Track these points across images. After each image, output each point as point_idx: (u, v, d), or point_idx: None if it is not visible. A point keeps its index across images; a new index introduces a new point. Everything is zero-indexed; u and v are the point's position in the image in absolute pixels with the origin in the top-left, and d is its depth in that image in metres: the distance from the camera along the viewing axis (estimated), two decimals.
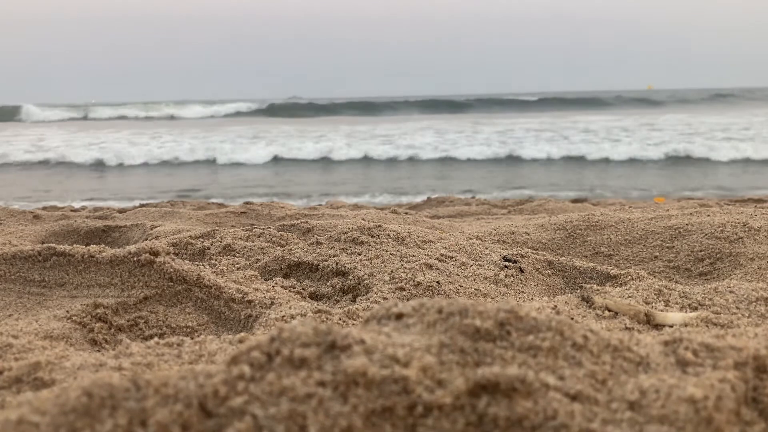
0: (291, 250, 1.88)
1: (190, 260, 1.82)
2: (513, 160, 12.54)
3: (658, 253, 1.94)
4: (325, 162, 12.96)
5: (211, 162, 13.04)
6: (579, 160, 12.13)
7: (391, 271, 1.62)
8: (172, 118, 27.22)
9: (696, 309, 1.27)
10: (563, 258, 1.90)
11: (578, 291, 1.46)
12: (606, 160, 12.01)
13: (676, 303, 1.31)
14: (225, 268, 1.74)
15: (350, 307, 1.41)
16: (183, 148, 13.72)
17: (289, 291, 1.62)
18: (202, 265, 1.68)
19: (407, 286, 1.55)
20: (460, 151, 13.02)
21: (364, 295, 1.54)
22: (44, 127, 21.71)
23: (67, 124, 22.91)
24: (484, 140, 14.06)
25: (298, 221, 2.25)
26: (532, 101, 29.90)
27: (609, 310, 1.28)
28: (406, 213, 3.28)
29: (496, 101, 32.03)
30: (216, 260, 1.85)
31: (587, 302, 1.35)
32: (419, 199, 6.63)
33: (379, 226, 1.95)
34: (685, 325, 1.17)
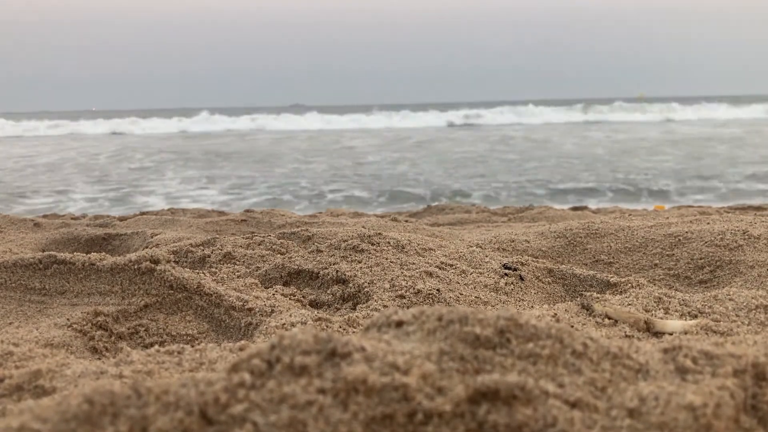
0: (291, 257, 1.88)
1: (190, 268, 1.83)
2: None
3: (658, 261, 1.94)
4: None
5: None
6: None
7: (392, 279, 1.62)
8: None
9: (696, 317, 1.27)
10: (563, 266, 1.90)
11: (578, 299, 1.46)
12: None
13: (676, 311, 1.31)
14: (225, 275, 1.74)
15: (350, 314, 1.41)
16: None
17: (290, 299, 1.62)
18: (203, 273, 1.69)
19: (407, 293, 1.55)
20: None
21: (364, 303, 1.54)
22: None
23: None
24: None
25: (299, 229, 2.25)
26: None
27: (609, 318, 1.28)
28: (407, 221, 3.28)
29: None
30: (216, 268, 1.85)
31: (587, 310, 1.36)
32: None
33: (379, 233, 1.95)
34: (685, 333, 1.17)
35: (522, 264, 1.85)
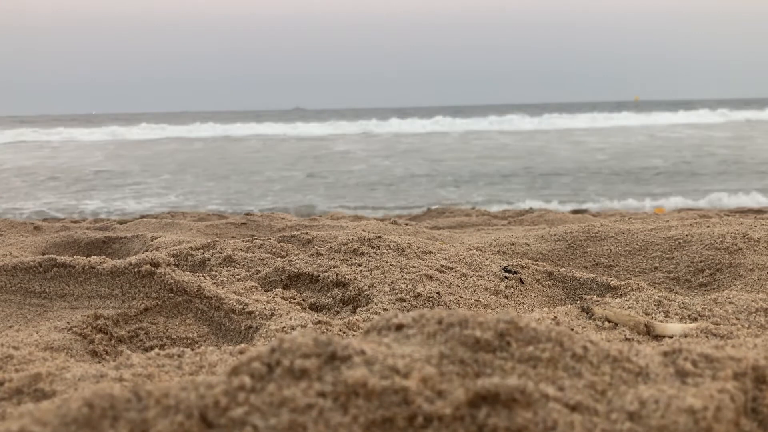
0: (291, 261, 1.88)
1: (190, 271, 1.83)
2: None
3: (658, 264, 1.94)
4: None
5: None
6: None
7: (392, 282, 1.62)
8: None
9: (696, 320, 1.27)
10: (563, 269, 1.90)
11: (578, 302, 1.46)
12: None
13: (676, 314, 1.31)
14: (225, 279, 1.74)
15: (350, 318, 1.41)
16: None
17: (290, 302, 1.62)
18: (203, 276, 1.69)
19: (407, 297, 1.55)
20: None
21: (364, 306, 1.54)
22: None
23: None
24: None
25: (299, 232, 2.25)
26: None
27: (609, 321, 1.28)
28: (407, 224, 3.28)
29: None
30: (216, 271, 1.85)
31: (587, 313, 1.36)
32: None
33: (380, 237, 1.95)
34: (685, 336, 1.17)
35: (522, 267, 1.85)
